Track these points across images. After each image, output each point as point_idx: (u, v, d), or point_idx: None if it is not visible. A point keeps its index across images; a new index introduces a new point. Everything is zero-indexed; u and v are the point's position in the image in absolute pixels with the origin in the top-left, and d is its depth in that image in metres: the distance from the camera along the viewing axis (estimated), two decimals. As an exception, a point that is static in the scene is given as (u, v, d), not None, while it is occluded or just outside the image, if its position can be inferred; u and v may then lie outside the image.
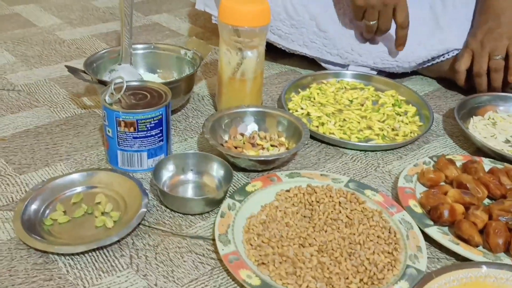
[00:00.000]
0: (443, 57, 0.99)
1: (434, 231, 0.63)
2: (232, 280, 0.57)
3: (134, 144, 0.71)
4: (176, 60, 0.94)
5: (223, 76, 0.85)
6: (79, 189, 0.67)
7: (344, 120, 0.88)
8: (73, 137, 0.80)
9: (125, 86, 0.71)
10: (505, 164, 0.77)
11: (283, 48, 1.02)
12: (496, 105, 0.92)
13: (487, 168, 0.75)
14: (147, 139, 0.71)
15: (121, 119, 0.69)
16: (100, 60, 0.89)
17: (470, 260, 0.59)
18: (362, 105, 0.93)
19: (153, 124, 0.70)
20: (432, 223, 0.65)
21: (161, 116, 0.71)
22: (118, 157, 0.72)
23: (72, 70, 0.83)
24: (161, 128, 0.72)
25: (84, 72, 0.83)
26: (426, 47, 0.98)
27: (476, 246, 0.62)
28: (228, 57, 0.83)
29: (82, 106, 0.89)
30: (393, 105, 0.93)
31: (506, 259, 0.60)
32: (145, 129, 0.70)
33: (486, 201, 0.71)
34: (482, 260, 0.59)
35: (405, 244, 0.61)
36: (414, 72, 1.06)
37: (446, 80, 1.04)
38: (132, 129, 0.69)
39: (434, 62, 1.01)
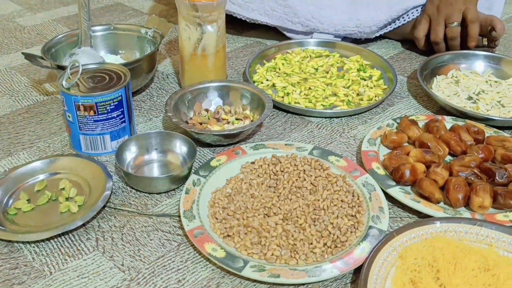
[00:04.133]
0: (404, 19, 1.00)
1: (396, 191, 0.64)
2: (199, 254, 0.58)
3: (96, 128, 0.70)
4: (137, 39, 0.92)
5: (184, 53, 0.84)
6: (42, 176, 0.67)
7: (310, 88, 0.88)
8: (35, 124, 0.79)
9: (81, 70, 0.70)
10: (467, 120, 0.78)
11: (243, 19, 1.01)
12: (458, 63, 0.92)
13: (449, 126, 0.76)
14: (108, 121, 0.70)
15: (80, 103, 0.68)
16: (58, 45, 0.88)
17: (431, 217, 0.61)
18: (327, 72, 0.93)
19: (113, 106, 0.70)
20: (394, 183, 0.66)
21: (120, 97, 0.70)
22: (81, 141, 0.71)
23: (30, 56, 0.82)
24: (122, 109, 0.71)
25: (42, 58, 0.82)
26: (385, 10, 0.98)
27: (437, 202, 0.63)
28: (187, 33, 0.82)
29: (44, 93, 0.88)
30: (358, 70, 0.94)
31: (466, 213, 0.62)
32: (106, 111, 0.69)
33: (448, 158, 0.72)
34: (442, 216, 0.60)
35: (368, 206, 0.62)
36: (379, 36, 1.05)
37: (411, 42, 1.04)
38: (92, 112, 0.69)
39: (395, 26, 1.01)
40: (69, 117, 0.70)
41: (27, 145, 0.75)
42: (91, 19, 0.85)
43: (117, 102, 0.70)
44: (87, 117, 0.69)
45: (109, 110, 0.70)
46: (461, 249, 0.54)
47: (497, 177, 0.65)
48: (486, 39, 0.94)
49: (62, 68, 0.79)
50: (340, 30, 0.99)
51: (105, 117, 0.70)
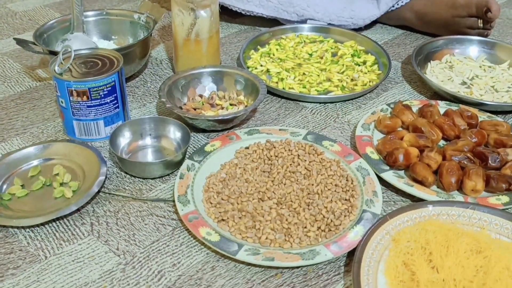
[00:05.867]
0: (398, 4, 0.99)
1: (390, 176, 0.65)
2: (193, 239, 0.58)
3: (89, 113, 0.70)
4: (130, 25, 0.92)
5: (178, 38, 0.84)
6: (35, 162, 0.67)
7: (304, 74, 0.88)
8: (28, 110, 0.79)
9: (73, 55, 0.69)
10: (460, 105, 0.78)
11: (239, 11, 1.01)
12: (452, 48, 0.92)
13: (442, 111, 0.76)
14: (101, 107, 0.70)
15: (72, 88, 0.68)
16: (51, 31, 0.87)
17: (425, 201, 0.61)
18: (322, 57, 0.93)
19: (107, 92, 0.69)
20: (388, 168, 0.66)
21: (113, 82, 0.70)
22: (74, 127, 0.71)
23: (22, 42, 0.81)
24: (115, 95, 0.71)
25: (34, 43, 0.81)
26: (376, 4, 0.98)
27: (430, 186, 0.64)
28: (181, 18, 0.81)
29: (37, 79, 0.87)
30: (352, 55, 0.93)
31: (459, 197, 0.62)
32: (99, 97, 0.69)
33: (442, 142, 0.72)
34: (435, 200, 0.61)
35: (362, 190, 0.63)
36: (373, 21, 1.05)
37: (405, 27, 1.04)
38: (85, 98, 0.68)
39: (389, 9, 1.01)
40: (62, 102, 0.69)
41: (20, 131, 0.74)
42: (83, 4, 0.84)
43: (110, 88, 0.69)
44: (80, 102, 0.69)
45: (102, 95, 0.69)
46: (454, 232, 0.54)
47: (490, 161, 0.66)
48: (481, 21, 0.94)
49: (54, 53, 0.79)
50: (335, 20, 0.99)
51: (98, 103, 0.69)
